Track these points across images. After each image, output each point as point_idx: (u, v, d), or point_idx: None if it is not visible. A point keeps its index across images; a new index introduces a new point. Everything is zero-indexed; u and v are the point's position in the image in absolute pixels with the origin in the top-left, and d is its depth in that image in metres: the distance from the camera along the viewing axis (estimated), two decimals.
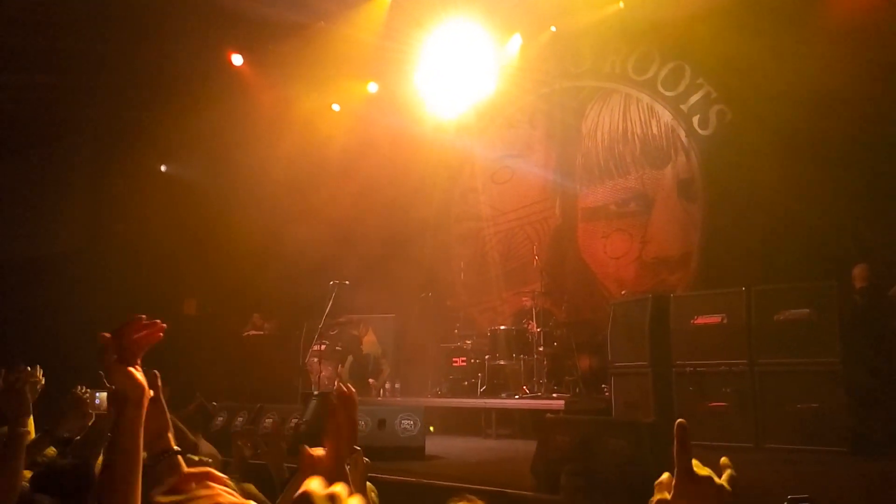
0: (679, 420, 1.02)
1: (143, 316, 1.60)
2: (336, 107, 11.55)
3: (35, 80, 10.17)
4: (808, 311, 6.29)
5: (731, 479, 1.00)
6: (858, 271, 6.86)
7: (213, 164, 11.63)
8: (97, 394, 2.87)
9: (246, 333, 10.61)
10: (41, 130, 11.78)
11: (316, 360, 9.37)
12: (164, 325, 1.61)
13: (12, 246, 12.66)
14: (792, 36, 8.12)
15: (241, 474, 3.29)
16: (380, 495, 2.79)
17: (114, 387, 1.57)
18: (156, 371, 1.68)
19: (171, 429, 1.76)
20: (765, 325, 6.49)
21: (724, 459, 1.04)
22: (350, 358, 10.01)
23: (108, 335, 1.59)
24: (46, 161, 12.45)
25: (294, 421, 6.87)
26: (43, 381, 3.09)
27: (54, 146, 12.07)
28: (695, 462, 1.00)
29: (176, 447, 1.78)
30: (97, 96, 10.86)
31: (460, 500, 2.25)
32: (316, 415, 6.60)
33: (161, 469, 1.74)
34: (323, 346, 9.48)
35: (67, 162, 12.31)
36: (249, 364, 9.90)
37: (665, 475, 1.03)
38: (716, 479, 1.00)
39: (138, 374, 1.56)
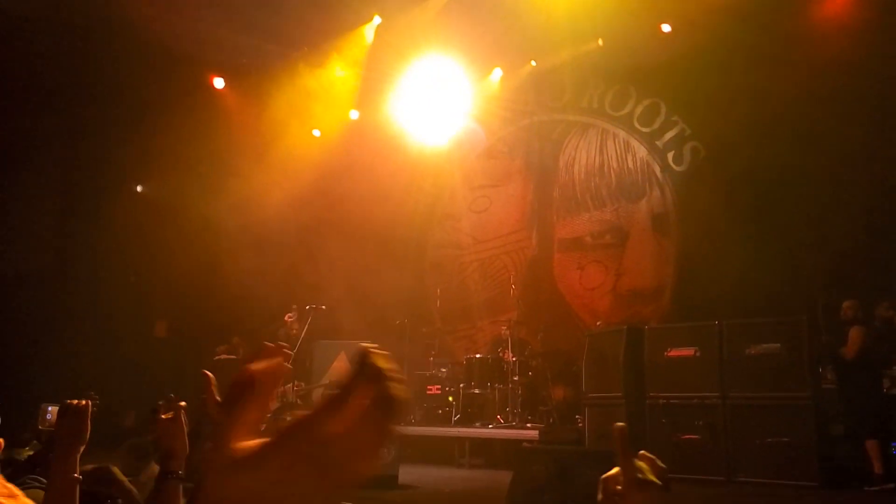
0: (617, 424, 1.04)
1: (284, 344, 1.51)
2: (317, 132, 11.59)
3: (3, 97, 10.04)
4: (778, 345, 6.41)
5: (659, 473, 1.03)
6: (848, 305, 6.86)
7: (190, 186, 11.55)
8: (49, 408, 2.71)
9: (217, 357, 10.45)
10: (11, 146, 11.60)
11: None
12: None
13: None
14: (764, 74, 8.38)
15: None
16: None
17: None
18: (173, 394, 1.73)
19: (187, 453, 1.77)
20: (737, 359, 6.59)
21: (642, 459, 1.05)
22: (322, 389, 9.90)
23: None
24: (15, 178, 12.24)
25: None
26: None
27: (25, 163, 11.88)
28: (640, 465, 1.03)
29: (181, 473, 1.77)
30: (72, 113, 10.76)
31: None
32: None
33: (161, 488, 1.74)
34: None
35: (38, 179, 12.10)
36: (218, 388, 9.72)
37: (613, 471, 1.05)
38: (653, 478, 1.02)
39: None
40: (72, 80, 9.98)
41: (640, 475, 1.00)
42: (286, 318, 9.44)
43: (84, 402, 1.78)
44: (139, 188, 12.10)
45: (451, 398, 9.25)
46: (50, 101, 10.35)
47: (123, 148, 10.78)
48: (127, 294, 10.81)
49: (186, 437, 1.78)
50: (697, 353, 6.84)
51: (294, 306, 9.45)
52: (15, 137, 11.13)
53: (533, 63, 10.85)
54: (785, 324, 6.51)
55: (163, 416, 1.76)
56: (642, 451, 1.07)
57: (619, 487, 1.01)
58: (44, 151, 11.61)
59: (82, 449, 1.74)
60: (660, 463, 1.04)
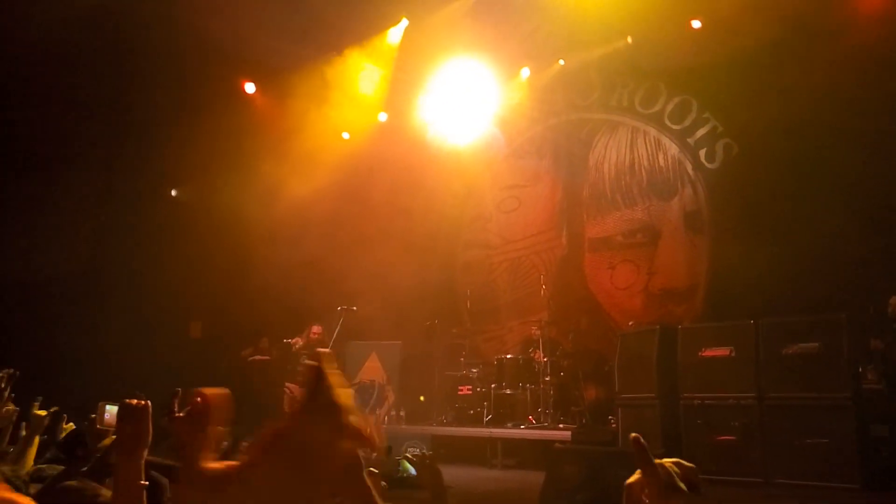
0: (631, 435, 1.02)
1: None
2: (346, 135, 11.66)
3: (43, 101, 10.26)
4: (817, 344, 6.27)
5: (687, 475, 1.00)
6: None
7: (223, 189, 11.70)
8: (107, 407, 2.66)
9: (250, 358, 10.58)
10: (48, 151, 11.86)
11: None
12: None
13: (14, 266, 12.61)
14: (796, 69, 8.22)
15: None
16: None
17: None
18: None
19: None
20: (773, 359, 6.46)
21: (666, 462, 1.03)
22: (353, 388, 9.98)
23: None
24: (52, 182, 12.50)
25: None
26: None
27: (61, 168, 12.13)
28: (669, 468, 1.00)
29: None
30: (108, 118, 10.96)
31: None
32: None
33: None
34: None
35: (74, 183, 12.35)
36: (249, 388, 9.84)
37: (635, 476, 1.02)
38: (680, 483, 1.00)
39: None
40: (109, 85, 10.18)
41: (667, 479, 0.98)
42: (313, 332, 9.86)
43: (143, 402, 1.71)
44: (173, 192, 12.30)
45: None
46: (87, 106, 10.56)
47: (158, 152, 10.97)
48: (162, 296, 10.97)
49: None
50: (732, 353, 6.73)
51: (317, 326, 9.94)
52: (52, 142, 11.39)
53: (561, 62, 10.79)
54: (823, 322, 6.35)
55: (178, 415, 1.72)
56: (673, 459, 1.05)
57: (646, 495, 0.99)
58: (80, 156, 11.85)
59: (146, 453, 1.68)
60: (686, 464, 1.02)
